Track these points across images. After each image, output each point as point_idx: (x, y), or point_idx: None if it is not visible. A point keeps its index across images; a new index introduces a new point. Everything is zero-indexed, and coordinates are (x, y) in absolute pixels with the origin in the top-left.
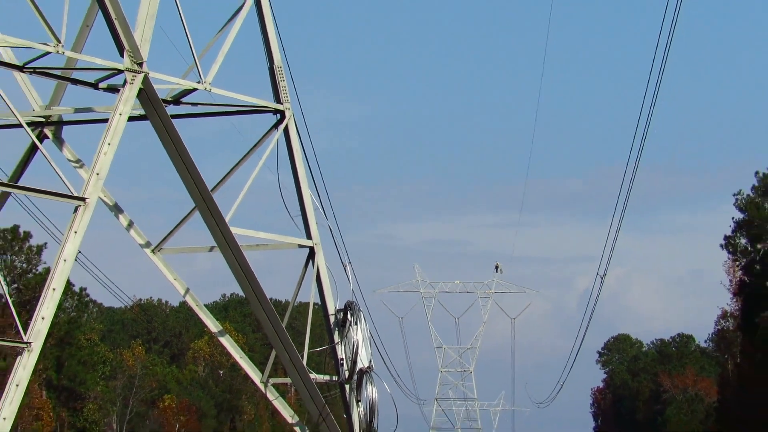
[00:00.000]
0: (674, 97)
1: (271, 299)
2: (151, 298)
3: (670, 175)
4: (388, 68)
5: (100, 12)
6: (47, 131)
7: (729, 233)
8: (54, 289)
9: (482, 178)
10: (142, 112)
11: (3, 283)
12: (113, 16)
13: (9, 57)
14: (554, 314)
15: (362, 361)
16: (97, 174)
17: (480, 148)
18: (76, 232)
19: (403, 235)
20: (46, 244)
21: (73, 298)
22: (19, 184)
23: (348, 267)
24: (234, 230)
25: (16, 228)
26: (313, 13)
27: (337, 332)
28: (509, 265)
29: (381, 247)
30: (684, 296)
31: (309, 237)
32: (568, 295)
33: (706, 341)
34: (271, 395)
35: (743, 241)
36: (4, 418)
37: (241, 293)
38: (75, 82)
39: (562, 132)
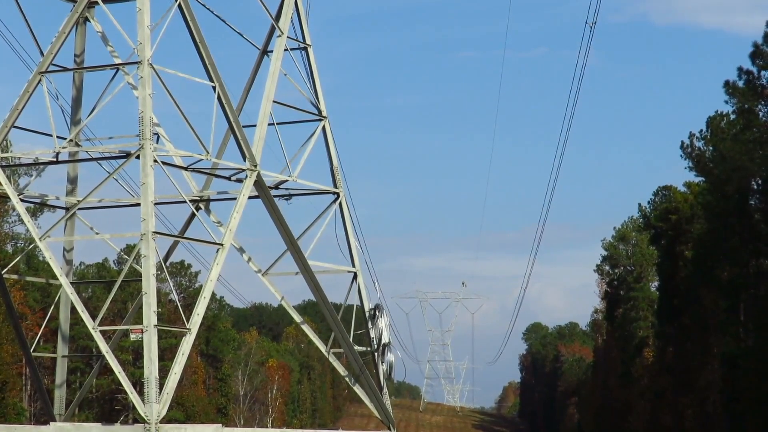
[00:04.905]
0: (568, 183)
1: (331, 302)
2: (261, 301)
3: (566, 228)
4: (399, 165)
5: (232, 135)
6: (201, 205)
7: (598, 263)
8: (205, 297)
9: (458, 229)
10: (257, 194)
11: (174, 293)
12: (240, 138)
13: (179, 161)
14: (499, 310)
15: (385, 339)
16: (230, 230)
17: (458, 213)
18: (217, 264)
19: (413, 264)
20: (200, 270)
21: (216, 302)
22: (184, 236)
23: (377, 283)
24: (310, 262)
25: (183, 261)
26: (357, 133)
27: (369, 321)
28: (471, 280)
29: (400, 271)
30: (573, 300)
31: (353, 266)
32: (507, 298)
33: (585, 326)
34: (332, 359)
35: (607, 267)
36: (175, 373)
37: (314, 299)
38: (217, 176)
39: (507, 201)
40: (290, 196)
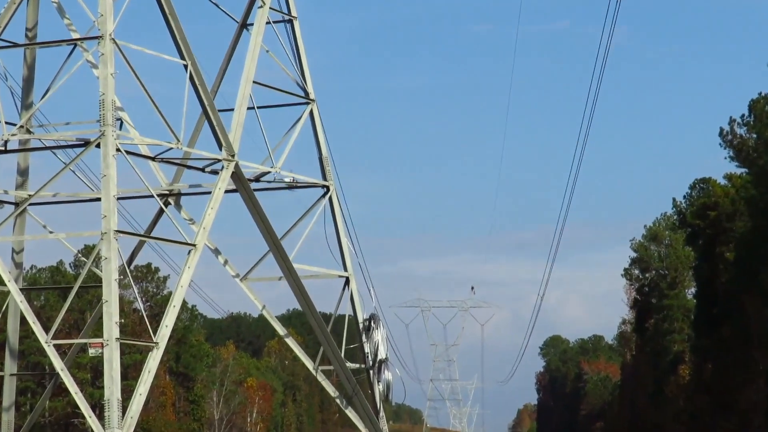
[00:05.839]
0: (591, 176)
1: (319, 312)
2: (239, 311)
3: (589, 226)
4: (398, 156)
5: (206, 121)
6: (170, 200)
7: (626, 266)
8: (174, 306)
9: (465, 229)
10: (234, 187)
11: (140, 301)
12: (215, 124)
13: (145, 151)
14: (512, 320)
15: (381, 354)
16: (204, 228)
17: (466, 209)
18: (189, 267)
19: (414, 268)
20: (169, 275)
21: (187, 311)
22: (151, 235)
23: (372, 290)
24: (295, 265)
25: (149, 265)
26: (350, 119)
27: (364, 334)
28: (480, 287)
29: (399, 276)
30: (597, 309)
31: (345, 270)
32: (523, 307)
33: (612, 339)
34: (320, 377)
35: (636, 271)
36: (140, 394)
37: (300, 308)
38: (189, 167)
39: (522, 195)
40: (295, 182)
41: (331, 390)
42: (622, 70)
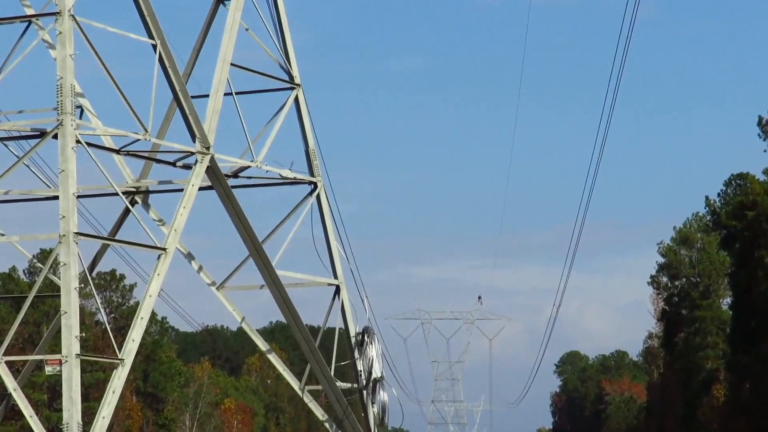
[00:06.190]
0: (612, 170)
1: (306, 325)
2: (215, 324)
3: (611, 228)
4: (395, 149)
5: (177, 109)
6: (137, 198)
7: (653, 273)
8: (142, 318)
9: (471, 231)
10: (209, 184)
11: (103, 313)
12: (187, 112)
13: (109, 143)
14: (524, 334)
15: (376, 372)
16: (175, 230)
17: (472, 208)
18: (158, 274)
19: (413, 275)
20: (136, 283)
21: (156, 324)
22: (116, 238)
23: (365, 300)
24: (279, 272)
25: (114, 271)
26: (340, 107)
27: (356, 350)
28: (488, 296)
29: (398, 283)
30: (620, 321)
31: (335, 277)
32: (537, 319)
33: (637, 356)
34: (307, 398)
35: (664, 279)
36: (104, 417)
37: (284, 320)
38: (158, 161)
39: (534, 193)
40: (282, 177)
41: (320, 413)
42: (648, 51)
